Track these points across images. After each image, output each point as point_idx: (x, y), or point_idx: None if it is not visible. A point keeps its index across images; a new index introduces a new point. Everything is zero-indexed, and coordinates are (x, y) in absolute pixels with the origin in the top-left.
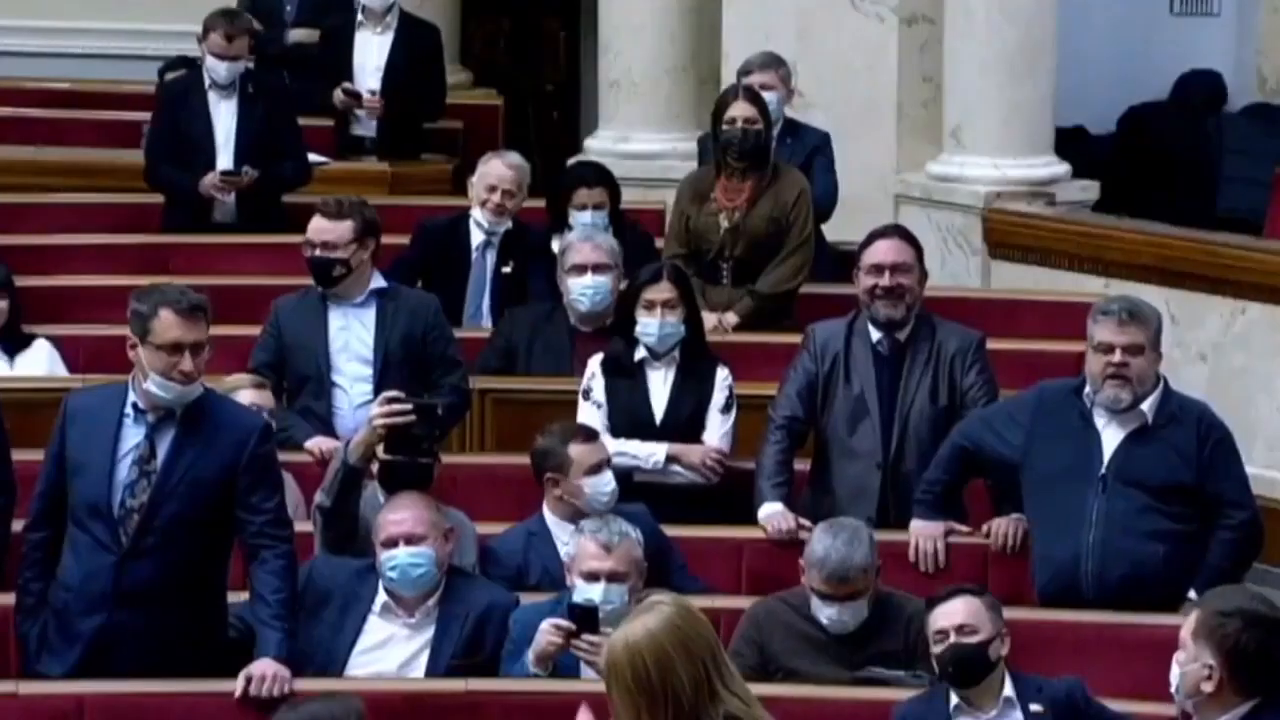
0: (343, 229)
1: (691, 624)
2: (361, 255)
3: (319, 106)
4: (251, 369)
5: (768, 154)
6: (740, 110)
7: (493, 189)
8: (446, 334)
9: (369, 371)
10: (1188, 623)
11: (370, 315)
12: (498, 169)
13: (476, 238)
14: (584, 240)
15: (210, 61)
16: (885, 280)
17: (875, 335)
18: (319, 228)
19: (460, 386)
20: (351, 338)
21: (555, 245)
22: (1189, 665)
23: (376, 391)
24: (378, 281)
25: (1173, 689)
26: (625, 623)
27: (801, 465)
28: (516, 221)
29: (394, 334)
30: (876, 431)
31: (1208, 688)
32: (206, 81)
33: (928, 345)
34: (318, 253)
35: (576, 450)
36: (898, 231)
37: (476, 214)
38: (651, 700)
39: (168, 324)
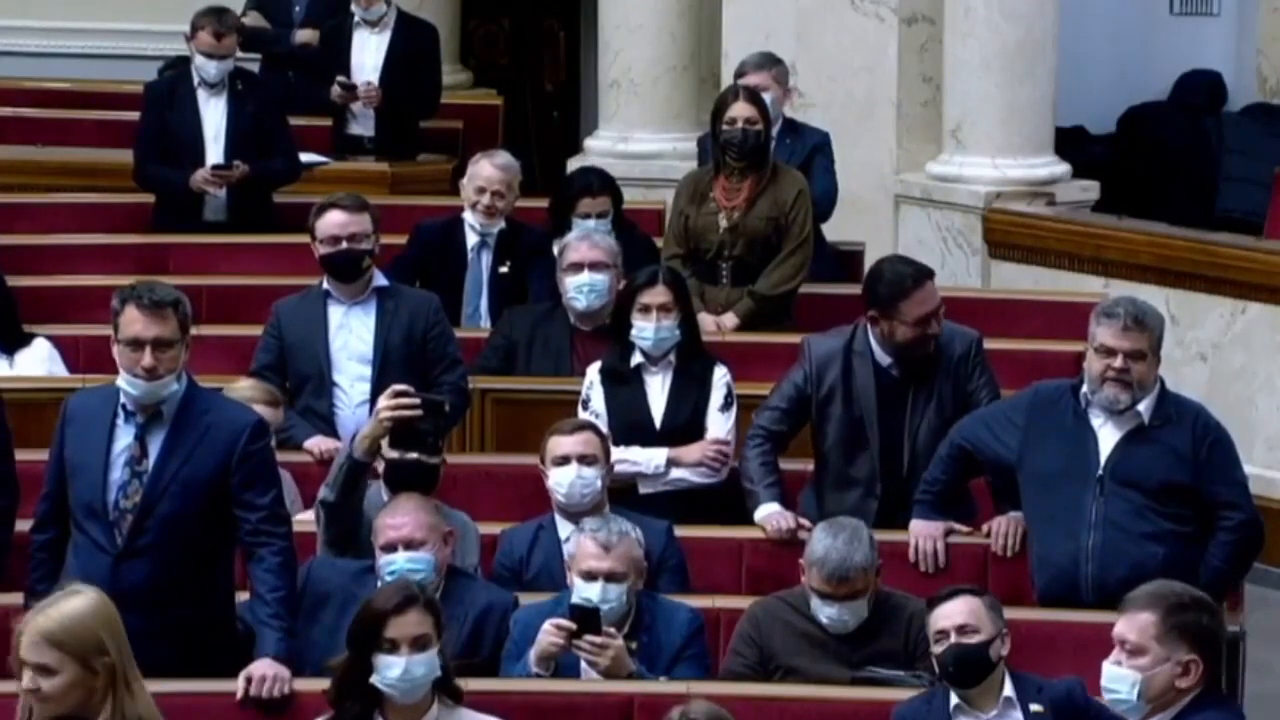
0: (365, 220)
1: (78, 622)
2: (378, 246)
3: (322, 106)
4: (253, 371)
5: (767, 154)
6: (740, 110)
7: (482, 190)
8: (447, 333)
9: (369, 370)
10: (1138, 628)
11: (370, 314)
12: (486, 171)
13: (471, 239)
14: (581, 239)
15: (199, 60)
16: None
17: (884, 360)
18: (344, 221)
19: (461, 386)
20: (351, 337)
21: (556, 249)
22: (1157, 668)
23: (376, 390)
24: (378, 279)
25: (1119, 697)
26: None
27: (804, 465)
28: (511, 221)
29: (394, 333)
30: (875, 461)
31: (1184, 683)
32: (195, 79)
33: (933, 366)
34: (345, 246)
35: (552, 439)
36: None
37: (468, 216)
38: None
39: (130, 319)
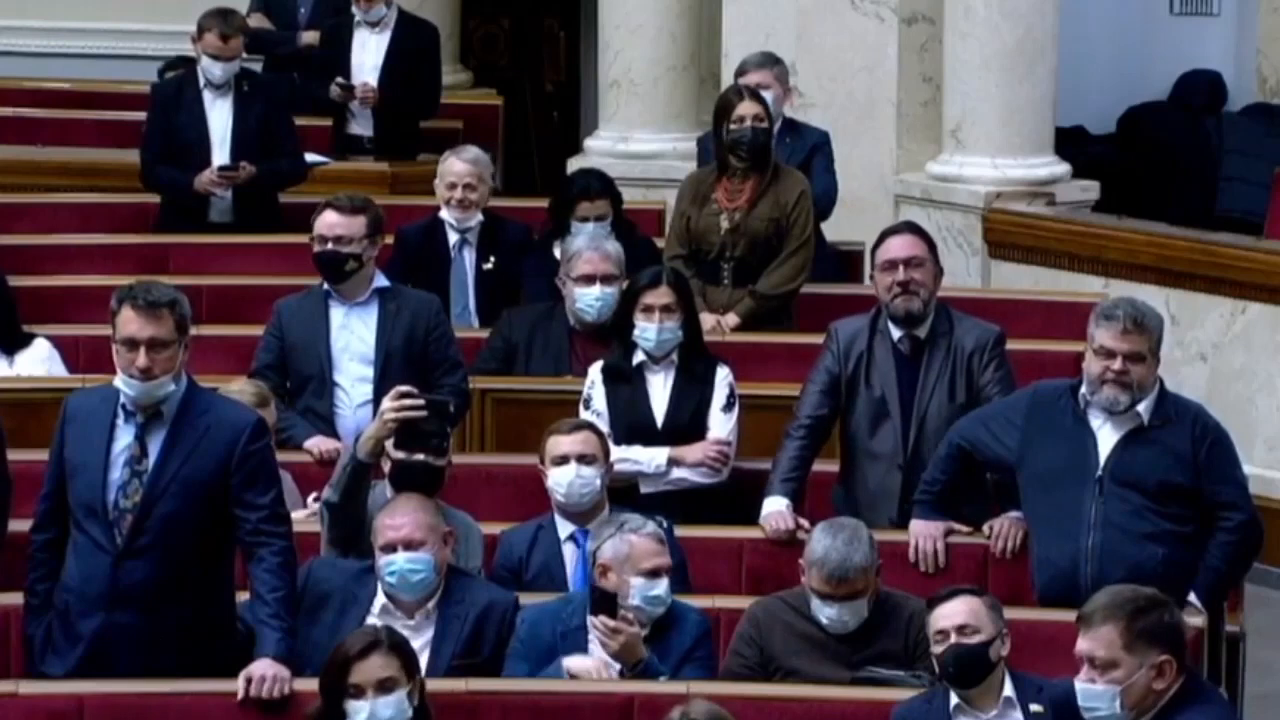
0: (357, 224)
1: None
2: (371, 251)
3: (323, 105)
4: (254, 370)
5: (770, 153)
6: (748, 109)
7: (453, 186)
8: (448, 335)
9: (370, 371)
10: (1104, 643)
11: (372, 314)
12: (454, 166)
13: (452, 237)
14: (592, 250)
15: (206, 62)
16: (900, 275)
17: (896, 334)
18: (332, 222)
19: (462, 388)
20: (353, 338)
21: (557, 251)
22: (1133, 676)
23: (377, 391)
24: (380, 280)
25: (1100, 714)
26: None
27: (831, 466)
28: (491, 215)
29: (395, 334)
30: (897, 433)
31: (1161, 684)
32: (201, 81)
33: (946, 342)
34: (330, 247)
35: (551, 439)
36: (909, 228)
37: (445, 214)
38: None
39: (125, 319)
